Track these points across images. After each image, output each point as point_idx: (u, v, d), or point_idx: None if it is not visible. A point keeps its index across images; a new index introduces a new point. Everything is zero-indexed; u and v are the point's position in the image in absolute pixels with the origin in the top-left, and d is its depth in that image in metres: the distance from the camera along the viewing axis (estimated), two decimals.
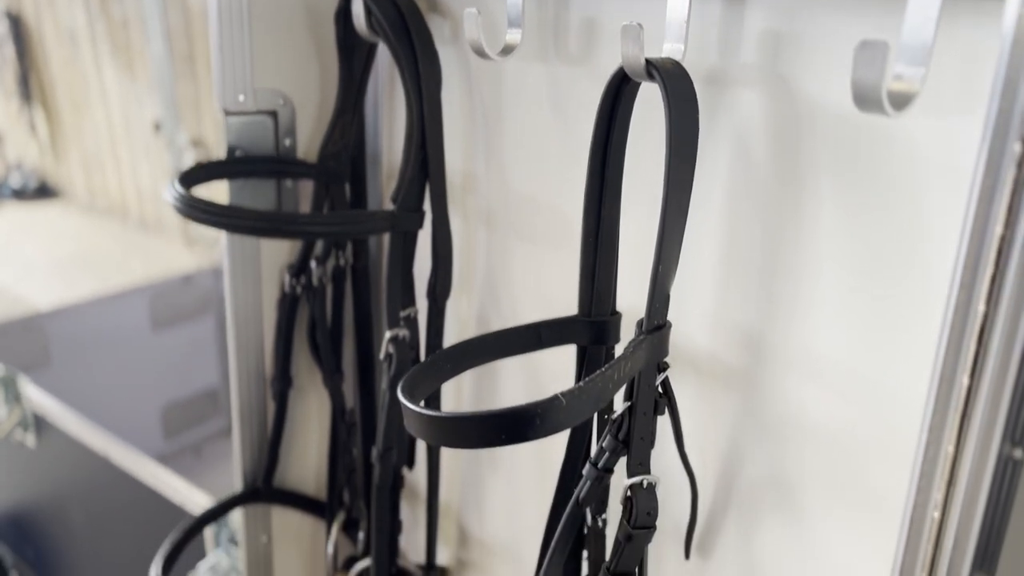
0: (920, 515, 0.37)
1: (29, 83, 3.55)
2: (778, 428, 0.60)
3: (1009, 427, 0.34)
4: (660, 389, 0.59)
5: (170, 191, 0.72)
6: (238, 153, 0.81)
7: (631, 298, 0.66)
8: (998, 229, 0.31)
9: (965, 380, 0.34)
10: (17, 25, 3.47)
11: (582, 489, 0.60)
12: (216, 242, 2.81)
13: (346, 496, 0.95)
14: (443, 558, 0.95)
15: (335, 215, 0.83)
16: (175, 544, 0.86)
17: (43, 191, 3.67)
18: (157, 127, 2.99)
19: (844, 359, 0.55)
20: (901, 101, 0.46)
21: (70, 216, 3.44)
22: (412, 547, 0.98)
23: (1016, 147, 0.32)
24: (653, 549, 0.70)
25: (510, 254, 0.78)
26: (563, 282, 0.74)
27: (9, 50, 3.51)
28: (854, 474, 0.56)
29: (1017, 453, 0.35)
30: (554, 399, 0.49)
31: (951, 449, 0.35)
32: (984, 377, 0.33)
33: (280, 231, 0.75)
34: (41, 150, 3.67)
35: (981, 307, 0.33)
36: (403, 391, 0.55)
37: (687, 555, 0.67)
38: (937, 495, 0.36)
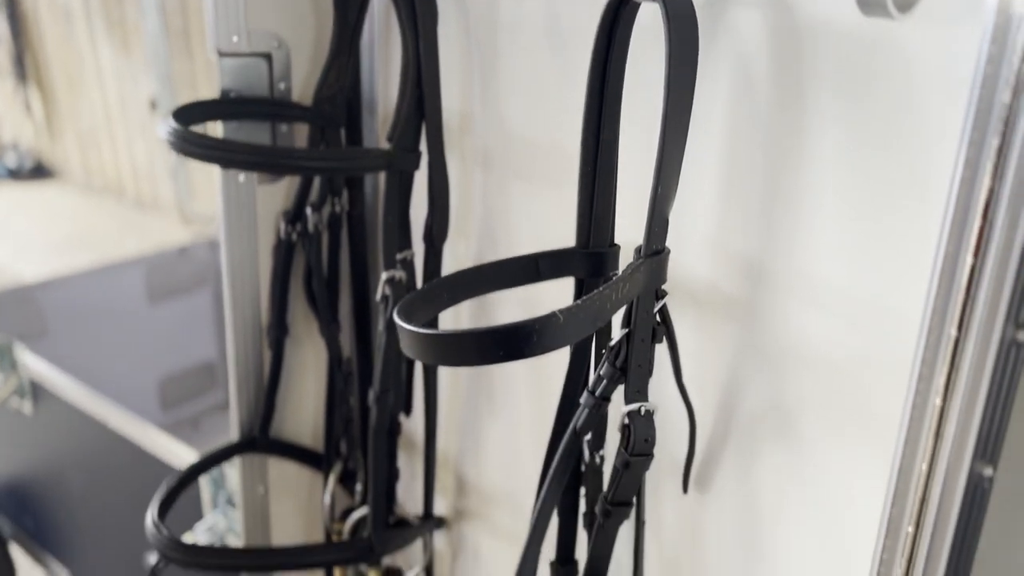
0: (922, 402, 0.37)
1: (24, 63, 3.53)
2: (778, 356, 0.60)
3: (1013, 309, 0.34)
4: (658, 317, 0.59)
5: (164, 127, 0.71)
6: (232, 95, 0.80)
7: (630, 234, 0.65)
8: (1006, 97, 0.31)
9: (969, 259, 0.33)
10: (12, 3, 3.44)
11: (579, 417, 0.60)
12: (212, 219, 2.79)
13: (343, 447, 0.94)
14: (441, 508, 0.95)
15: (331, 151, 0.82)
16: (171, 489, 0.86)
17: (39, 171, 3.66)
18: (153, 105, 2.98)
19: (845, 283, 0.54)
20: (906, 3, 0.45)
21: (66, 196, 3.42)
22: (410, 498, 0.98)
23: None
24: (650, 485, 0.70)
25: (508, 195, 0.77)
26: (561, 224, 0.73)
27: (4, 29, 3.48)
28: (854, 398, 0.56)
29: (1022, 336, 0.34)
30: (552, 315, 0.49)
31: (954, 332, 0.34)
32: (989, 256, 0.33)
33: (276, 165, 0.74)
34: (36, 130, 3.65)
35: (986, 181, 0.32)
36: (399, 315, 0.54)
37: (685, 489, 0.67)
38: (939, 380, 0.36)
